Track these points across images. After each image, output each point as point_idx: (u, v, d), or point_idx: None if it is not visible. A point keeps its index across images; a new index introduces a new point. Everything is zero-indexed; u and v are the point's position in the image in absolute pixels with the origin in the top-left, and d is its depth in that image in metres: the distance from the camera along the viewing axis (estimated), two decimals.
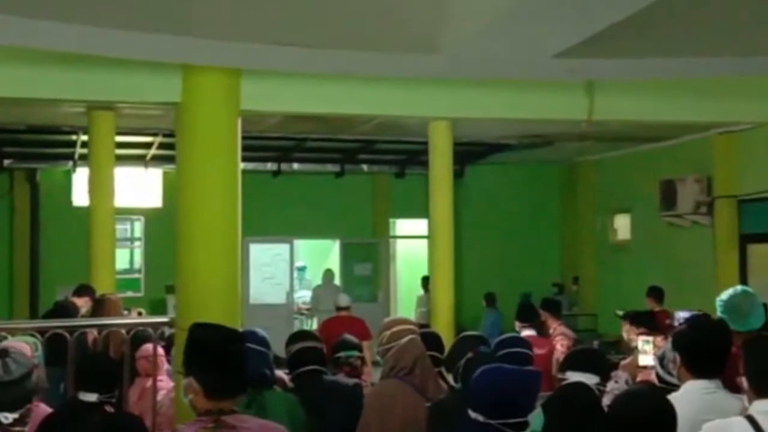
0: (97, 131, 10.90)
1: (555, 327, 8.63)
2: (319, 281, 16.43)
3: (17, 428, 3.10)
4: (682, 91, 8.00)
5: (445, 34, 3.82)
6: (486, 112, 8.34)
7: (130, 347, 6.21)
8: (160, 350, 6.49)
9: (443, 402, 4.57)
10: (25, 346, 4.85)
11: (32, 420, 3.23)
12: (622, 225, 16.24)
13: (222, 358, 3.03)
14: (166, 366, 6.65)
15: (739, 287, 5.06)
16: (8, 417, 3.02)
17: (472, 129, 12.68)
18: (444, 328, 9.76)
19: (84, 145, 12.77)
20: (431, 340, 5.53)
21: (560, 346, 8.31)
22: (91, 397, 4.13)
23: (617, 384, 5.24)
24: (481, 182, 17.15)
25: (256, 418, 3.25)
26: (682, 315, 7.98)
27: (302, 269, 17.22)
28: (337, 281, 16.42)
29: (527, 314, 8.60)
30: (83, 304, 8.96)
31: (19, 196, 15.71)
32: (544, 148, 14.87)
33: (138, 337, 6.30)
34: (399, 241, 18.17)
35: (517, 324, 8.53)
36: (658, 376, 4.43)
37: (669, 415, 3.10)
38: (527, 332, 8.11)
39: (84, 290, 9.13)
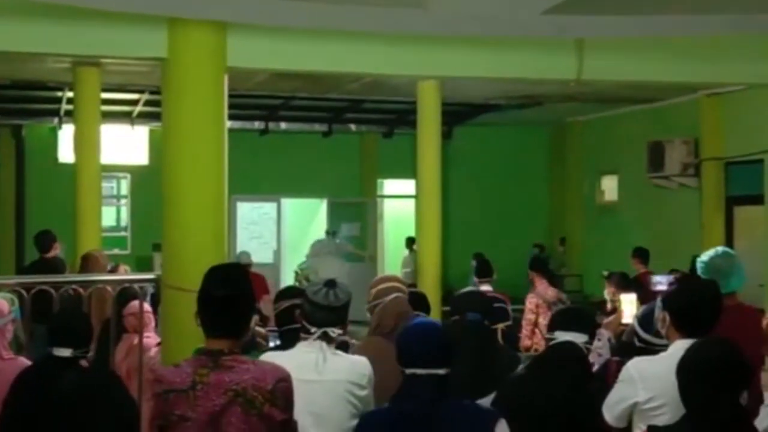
0: (82, 87, 10.80)
1: (537, 286, 8.68)
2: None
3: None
4: (671, 51, 7.97)
5: None
6: (475, 71, 8.29)
7: (117, 304, 6.21)
8: (147, 307, 6.49)
9: None
10: (2, 302, 4.82)
11: None
12: (610, 186, 16.27)
13: (207, 301, 3.20)
14: (152, 323, 6.65)
15: (720, 248, 5.04)
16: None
17: (461, 89, 12.63)
18: (431, 287, 9.81)
19: (70, 101, 12.67)
20: (417, 299, 5.54)
21: (529, 303, 8.42)
22: (65, 353, 4.11)
23: (600, 342, 5.26)
24: (469, 143, 17.12)
25: (256, 360, 3.34)
26: (658, 279, 7.97)
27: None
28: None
29: (485, 270, 8.73)
30: (55, 254, 8.94)
31: (4, 152, 15.58)
32: (533, 108, 14.83)
33: (125, 294, 6.30)
34: (387, 201, 18.16)
35: (476, 279, 8.62)
36: (637, 336, 4.43)
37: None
38: (485, 287, 8.22)
39: (45, 240, 9.02)
